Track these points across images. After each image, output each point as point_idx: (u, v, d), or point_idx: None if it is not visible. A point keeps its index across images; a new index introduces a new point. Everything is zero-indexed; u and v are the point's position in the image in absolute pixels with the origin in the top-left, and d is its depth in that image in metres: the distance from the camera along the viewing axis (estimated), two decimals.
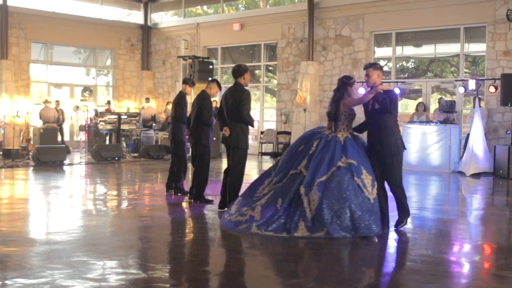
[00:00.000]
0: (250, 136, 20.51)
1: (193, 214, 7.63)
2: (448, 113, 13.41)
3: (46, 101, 17.60)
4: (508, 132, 12.72)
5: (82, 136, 17.52)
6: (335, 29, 16.71)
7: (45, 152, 13.57)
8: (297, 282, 4.53)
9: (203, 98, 8.09)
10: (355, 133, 6.59)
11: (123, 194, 9.63)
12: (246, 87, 7.38)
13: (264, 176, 6.78)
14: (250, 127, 7.47)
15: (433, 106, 15.58)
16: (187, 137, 8.61)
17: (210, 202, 8.17)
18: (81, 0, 21.17)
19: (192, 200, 8.24)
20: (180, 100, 9.03)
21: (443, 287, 4.52)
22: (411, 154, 13.47)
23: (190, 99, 10.58)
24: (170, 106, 13.62)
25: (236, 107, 7.18)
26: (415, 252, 5.60)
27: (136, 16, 22.87)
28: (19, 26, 18.59)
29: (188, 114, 8.84)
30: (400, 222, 6.47)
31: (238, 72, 7.32)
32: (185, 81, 9.28)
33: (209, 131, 8.09)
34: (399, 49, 16.17)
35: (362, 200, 6.00)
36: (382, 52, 16.85)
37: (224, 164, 9.90)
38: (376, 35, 16.26)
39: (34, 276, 4.47)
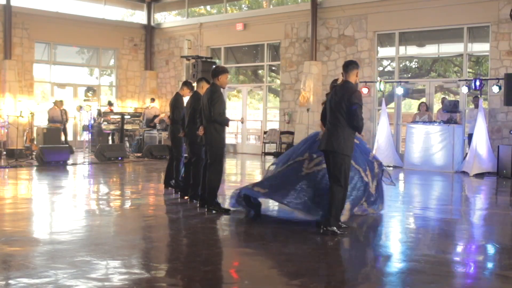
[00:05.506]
0: (253, 136, 20.80)
1: (196, 214, 7.63)
2: (451, 113, 13.39)
3: (56, 102, 17.56)
4: None
5: (86, 136, 17.54)
6: (338, 29, 16.68)
7: (48, 152, 13.59)
8: (301, 282, 4.53)
9: (195, 99, 8.34)
10: None
11: (127, 194, 9.64)
12: (222, 88, 7.49)
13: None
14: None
15: (437, 106, 15.55)
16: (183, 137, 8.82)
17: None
18: (84, 0, 21.20)
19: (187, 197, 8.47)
20: (176, 103, 9.26)
21: (447, 287, 4.51)
22: (415, 154, 13.47)
23: None
24: None
25: (209, 107, 7.33)
26: (419, 252, 5.59)
27: (139, 16, 22.89)
28: (23, 26, 18.61)
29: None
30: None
31: (213, 73, 7.54)
32: (185, 83, 9.45)
33: None
34: (402, 49, 16.12)
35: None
36: (385, 52, 16.81)
37: None
38: (380, 35, 16.23)
39: (38, 275, 4.48)
